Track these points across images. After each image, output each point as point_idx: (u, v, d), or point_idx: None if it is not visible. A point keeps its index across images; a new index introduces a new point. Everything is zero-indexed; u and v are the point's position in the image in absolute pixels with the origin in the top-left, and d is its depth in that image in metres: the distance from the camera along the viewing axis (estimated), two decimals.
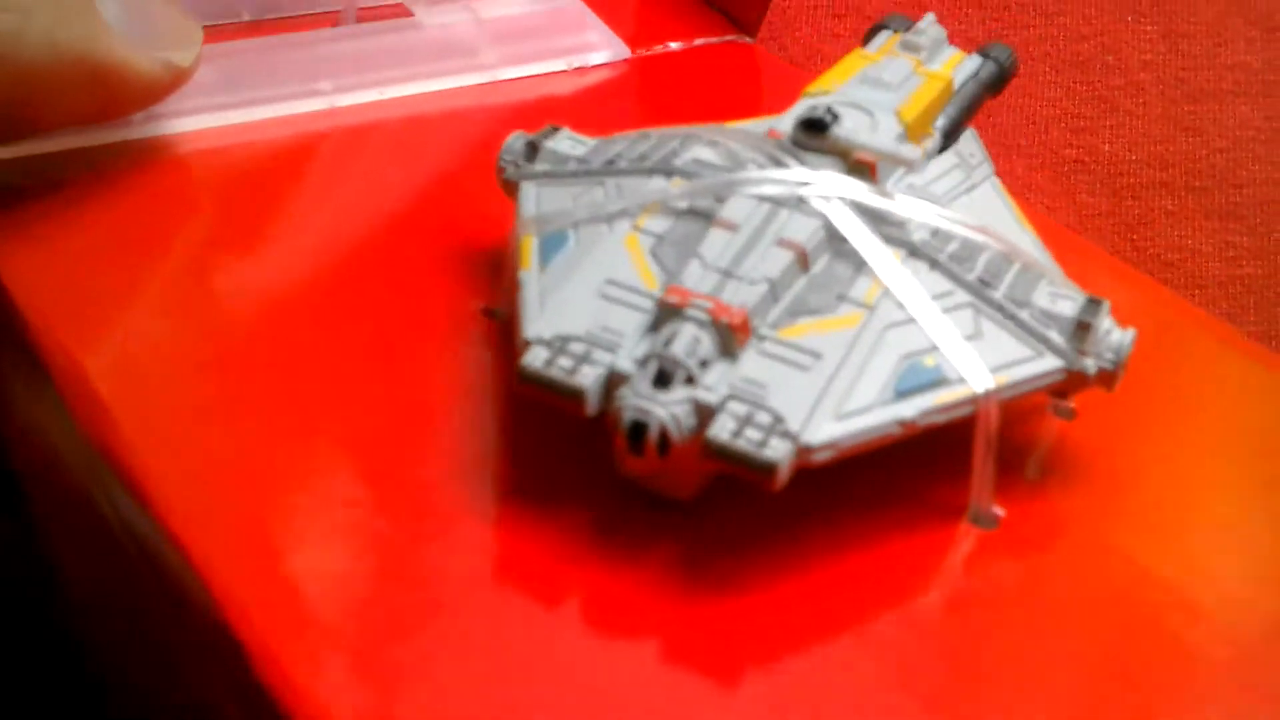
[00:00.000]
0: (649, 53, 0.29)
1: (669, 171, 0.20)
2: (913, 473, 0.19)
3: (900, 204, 0.19)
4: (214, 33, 0.26)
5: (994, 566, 0.18)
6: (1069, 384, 0.18)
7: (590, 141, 0.21)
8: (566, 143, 0.21)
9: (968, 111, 0.22)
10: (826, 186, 0.19)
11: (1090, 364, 0.18)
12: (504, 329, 0.21)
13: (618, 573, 0.17)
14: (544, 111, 0.26)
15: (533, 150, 0.21)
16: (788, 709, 0.15)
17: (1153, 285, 0.24)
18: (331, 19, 0.28)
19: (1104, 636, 0.17)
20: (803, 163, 0.19)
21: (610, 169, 0.20)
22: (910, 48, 0.23)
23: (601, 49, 0.29)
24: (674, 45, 0.29)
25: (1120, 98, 0.35)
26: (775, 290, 0.18)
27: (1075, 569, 0.18)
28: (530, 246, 0.19)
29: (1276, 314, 0.33)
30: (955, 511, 0.18)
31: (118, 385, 0.19)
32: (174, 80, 0.23)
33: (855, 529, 0.18)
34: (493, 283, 0.21)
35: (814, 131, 0.19)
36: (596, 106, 0.27)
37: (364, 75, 0.26)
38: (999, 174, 0.22)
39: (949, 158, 0.22)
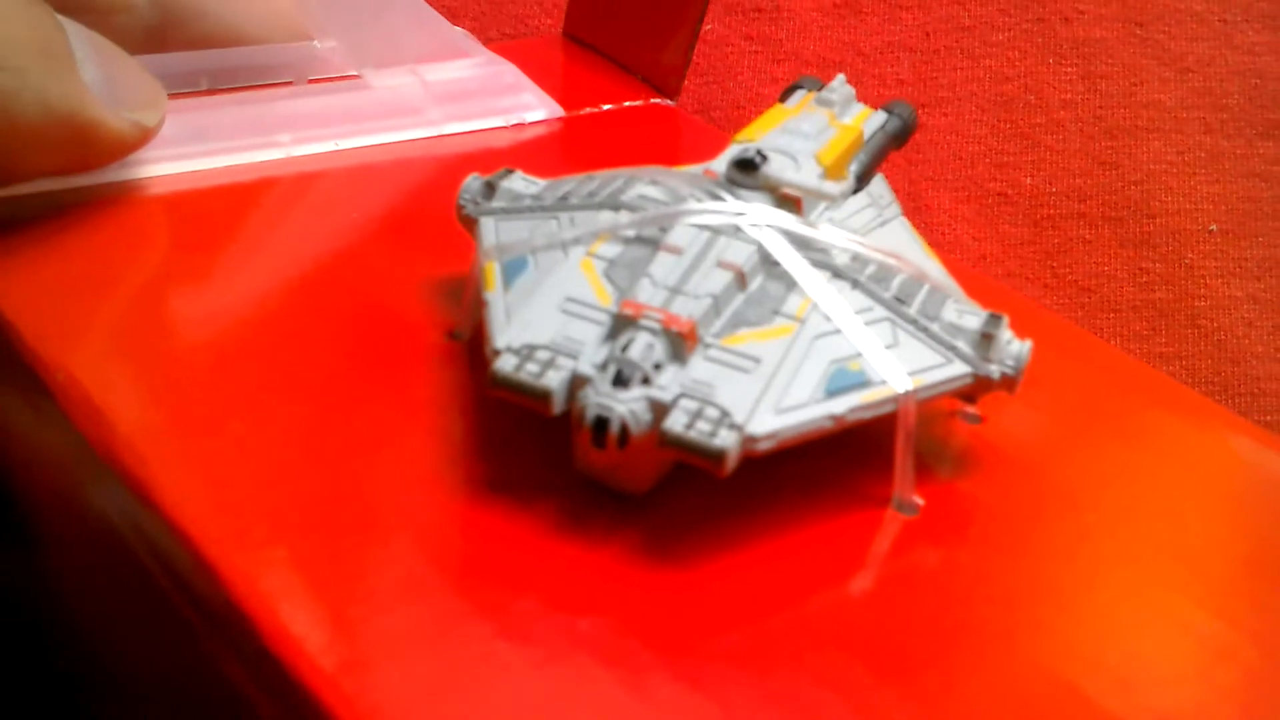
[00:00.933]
0: (580, 113, 0.32)
1: (617, 206, 0.22)
2: (843, 466, 0.21)
3: (824, 232, 0.21)
4: (175, 97, 0.28)
5: (914, 550, 0.20)
6: (976, 388, 0.21)
7: (541, 182, 0.24)
8: (520, 182, 0.23)
9: (876, 158, 0.25)
10: (759, 217, 0.21)
11: (994, 369, 0.21)
12: (467, 349, 0.22)
13: (579, 560, 0.19)
14: (486, 162, 0.28)
15: (490, 189, 0.23)
16: (733, 678, 0.17)
17: (1062, 322, 0.27)
18: (285, 88, 0.30)
19: (1007, 612, 0.19)
20: (737, 197, 0.21)
21: (563, 205, 0.23)
22: (824, 104, 0.25)
23: (538, 109, 0.31)
24: (605, 107, 0.32)
25: (1041, 134, 0.38)
26: (718, 305, 0.20)
27: (985, 553, 0.20)
28: (493, 271, 0.21)
29: (1185, 336, 0.36)
30: (881, 501, 0.21)
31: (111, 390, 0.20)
32: (142, 138, 0.25)
33: (793, 515, 0.20)
34: (453, 309, 0.23)
35: (746, 170, 0.22)
36: (533, 158, 0.30)
37: (320, 129, 0.28)
38: (929, 207, 0.24)
39: (862, 198, 0.24)
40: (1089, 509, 0.21)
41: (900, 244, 0.24)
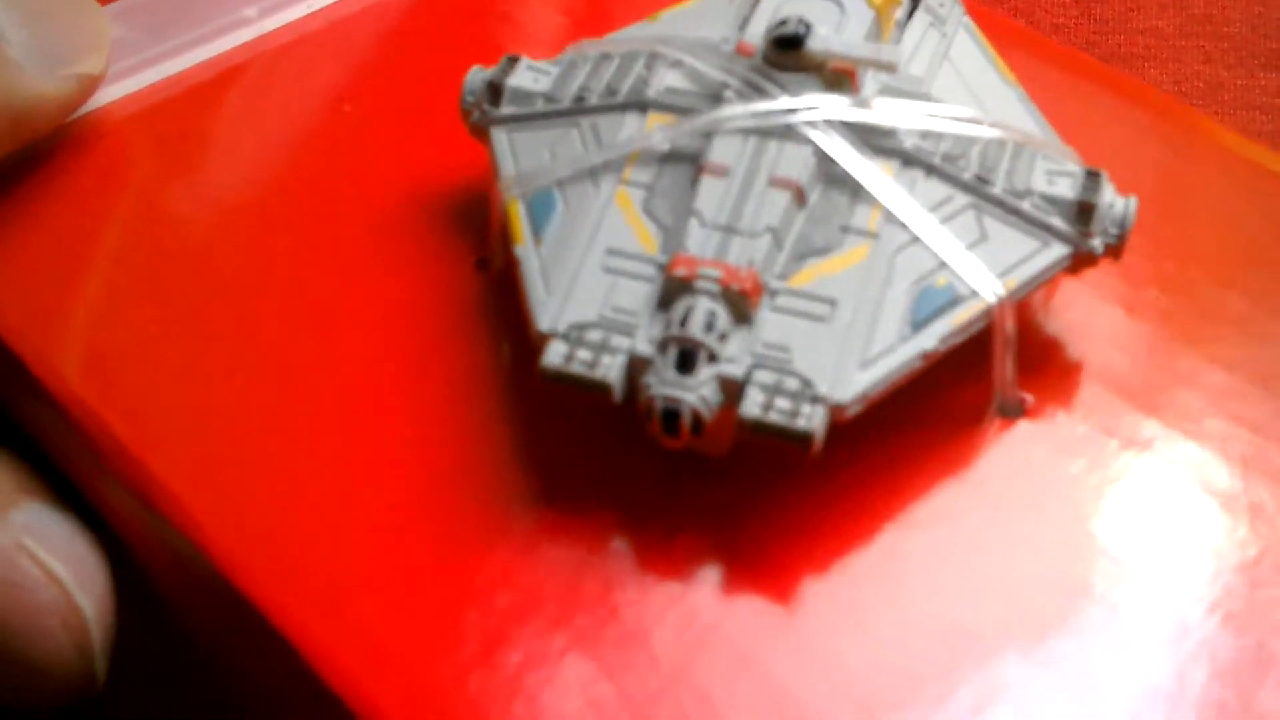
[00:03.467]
0: None
1: (643, 106, 0.19)
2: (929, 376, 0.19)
3: (887, 113, 0.18)
4: None
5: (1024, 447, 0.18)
6: (1077, 264, 0.19)
7: (550, 69, 0.20)
8: (528, 76, 0.20)
9: None
10: (812, 111, 0.18)
11: (1097, 243, 0.18)
12: (500, 283, 0.20)
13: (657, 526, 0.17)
14: None
15: (495, 91, 0.20)
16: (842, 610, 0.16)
17: (1140, 86, 0.24)
18: None
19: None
20: (780, 84, 0.18)
21: (581, 107, 0.20)
22: None
23: None
24: None
25: None
26: (778, 238, 0.17)
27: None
28: (518, 213, 0.19)
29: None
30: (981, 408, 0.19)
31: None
32: (86, 91, 0.22)
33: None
34: (469, 226, 0.21)
35: (788, 48, 0.18)
36: None
37: None
38: None
39: (920, 19, 0.21)
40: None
41: (973, 73, 0.21)
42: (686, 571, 0.17)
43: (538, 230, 0.18)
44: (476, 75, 0.21)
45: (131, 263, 0.21)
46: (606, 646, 0.16)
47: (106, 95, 0.23)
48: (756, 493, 0.18)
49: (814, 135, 0.18)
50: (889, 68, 0.18)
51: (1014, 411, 0.19)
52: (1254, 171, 0.22)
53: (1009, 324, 0.18)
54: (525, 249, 0.18)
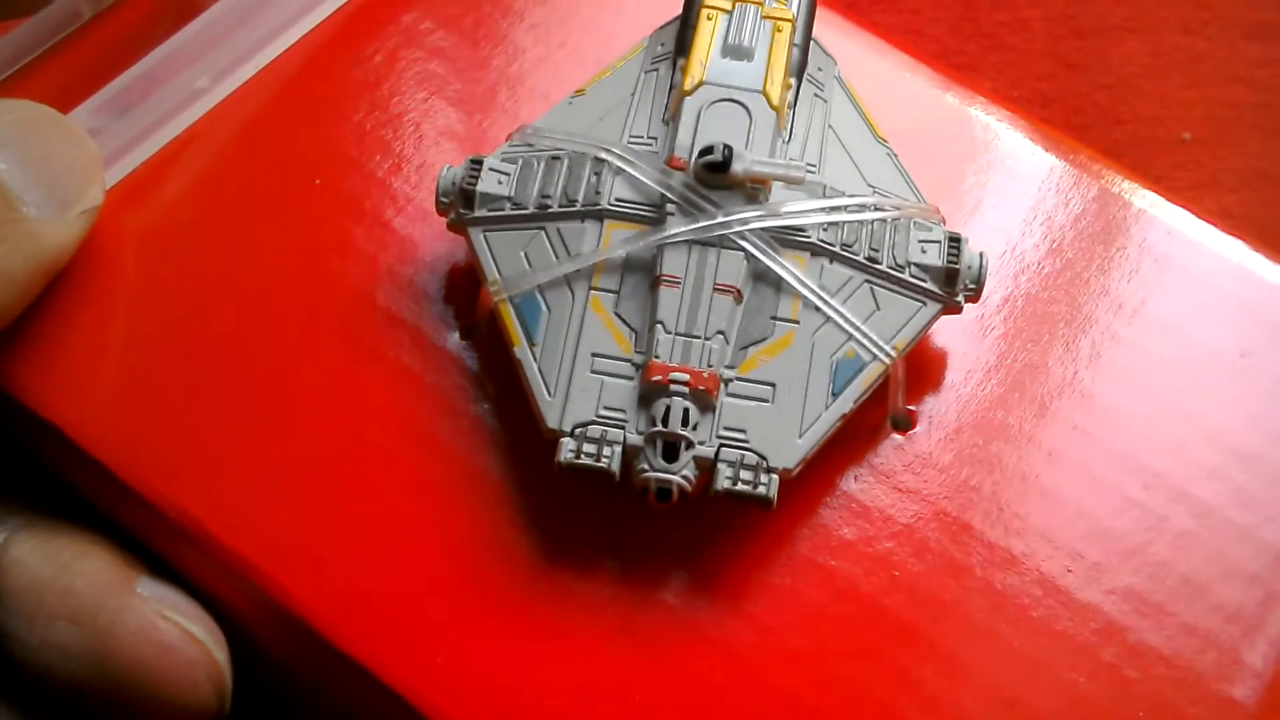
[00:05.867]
0: None
1: (600, 215, 0.23)
2: None
3: (797, 215, 0.23)
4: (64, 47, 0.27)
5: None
6: (947, 312, 0.24)
7: (510, 168, 0.24)
8: (492, 180, 0.24)
9: (808, 30, 0.26)
10: (742, 224, 0.23)
11: (960, 299, 0.24)
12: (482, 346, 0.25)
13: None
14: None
15: (467, 196, 0.24)
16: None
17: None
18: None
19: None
20: (712, 202, 0.23)
21: (545, 213, 0.24)
22: None
23: None
24: None
25: (1005, 34, 0.35)
26: (726, 336, 0.23)
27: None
28: (510, 316, 0.23)
29: None
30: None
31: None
32: (93, 219, 0.25)
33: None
34: (439, 294, 0.25)
35: (716, 171, 0.23)
36: None
37: (234, 57, 0.28)
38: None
39: (805, 91, 0.25)
40: None
41: (848, 130, 0.25)
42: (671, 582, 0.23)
43: (529, 332, 0.23)
44: (447, 177, 0.24)
45: (174, 360, 0.25)
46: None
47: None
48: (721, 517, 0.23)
49: (744, 244, 0.23)
50: (798, 180, 0.23)
51: (904, 424, 0.25)
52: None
53: (900, 372, 0.24)
54: (523, 351, 0.23)
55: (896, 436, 0.24)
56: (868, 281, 0.24)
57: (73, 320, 0.25)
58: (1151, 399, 0.25)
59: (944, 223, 0.25)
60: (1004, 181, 0.27)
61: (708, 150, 0.23)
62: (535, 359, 0.23)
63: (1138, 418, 0.25)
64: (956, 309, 0.24)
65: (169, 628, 0.23)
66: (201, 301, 0.25)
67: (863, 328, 0.23)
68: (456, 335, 0.25)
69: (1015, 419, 0.25)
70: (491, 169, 0.24)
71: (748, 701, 0.22)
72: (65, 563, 0.23)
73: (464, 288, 0.25)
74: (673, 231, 0.23)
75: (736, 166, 0.23)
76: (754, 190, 0.23)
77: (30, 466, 0.26)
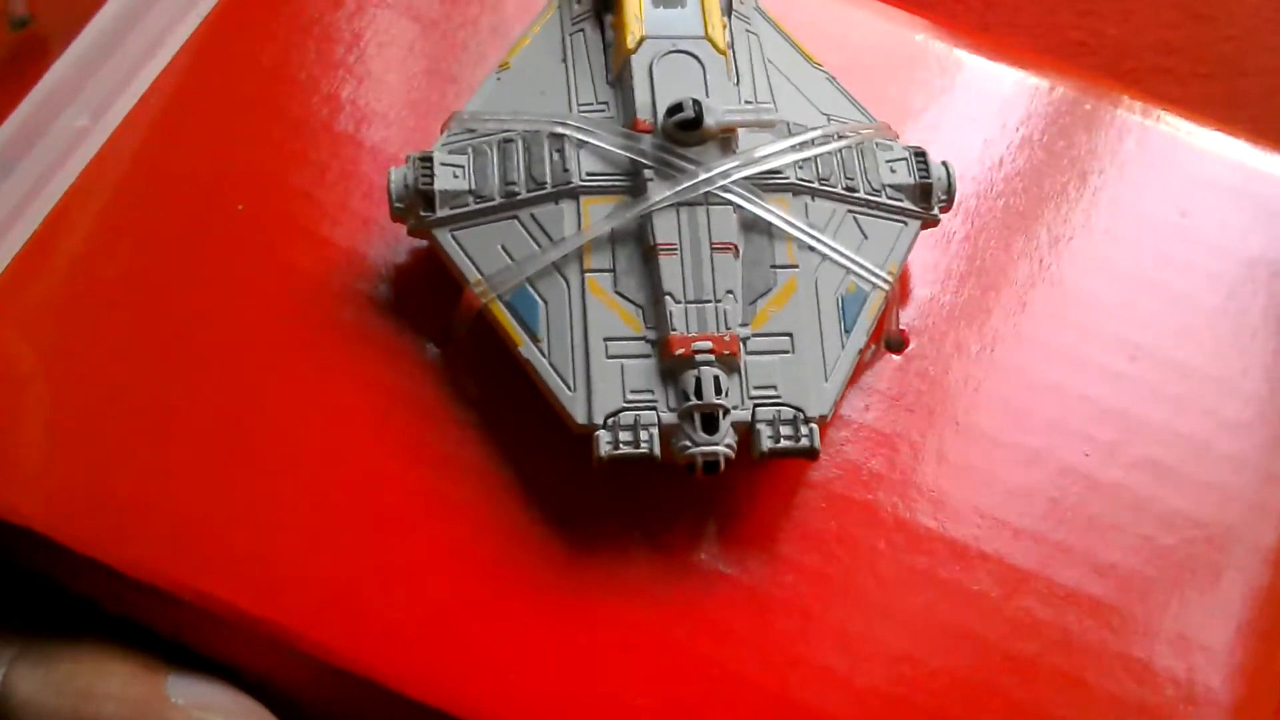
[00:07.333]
0: None
1: (574, 193, 0.22)
2: None
3: (773, 157, 0.23)
4: None
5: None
6: (926, 226, 0.24)
7: (460, 160, 0.23)
8: (448, 175, 0.23)
9: None
10: (722, 177, 0.22)
11: (936, 211, 0.24)
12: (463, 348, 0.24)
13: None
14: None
15: (426, 198, 0.23)
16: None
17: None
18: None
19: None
20: (690, 159, 0.22)
21: (514, 201, 0.23)
22: None
23: None
24: None
25: None
26: (736, 294, 0.22)
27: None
28: (504, 314, 0.22)
29: None
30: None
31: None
32: None
33: None
34: (392, 299, 0.24)
35: (690, 129, 0.22)
36: None
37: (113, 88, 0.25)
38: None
39: (736, 25, 0.25)
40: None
41: (786, 63, 0.25)
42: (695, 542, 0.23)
43: (530, 328, 0.22)
44: (398, 179, 0.23)
45: (139, 433, 0.23)
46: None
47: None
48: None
49: (731, 197, 0.22)
50: (770, 124, 0.23)
51: (899, 345, 0.25)
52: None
53: (895, 291, 0.24)
54: (529, 349, 0.22)
55: (894, 358, 0.24)
56: (850, 212, 0.23)
57: (13, 420, 0.23)
58: (1112, 274, 0.26)
59: (898, 138, 0.25)
60: (933, 94, 0.27)
61: (676, 108, 0.22)
62: (545, 355, 0.22)
63: (1106, 298, 0.25)
64: (934, 222, 0.24)
65: None
66: (141, 368, 0.23)
67: (858, 259, 0.23)
68: (432, 345, 0.24)
69: (999, 318, 0.25)
70: (444, 163, 0.23)
71: (809, 642, 0.22)
72: (82, 690, 0.21)
73: (429, 292, 0.24)
74: (658, 198, 0.22)
75: (709, 120, 0.22)
76: (725, 140, 0.23)
77: None
